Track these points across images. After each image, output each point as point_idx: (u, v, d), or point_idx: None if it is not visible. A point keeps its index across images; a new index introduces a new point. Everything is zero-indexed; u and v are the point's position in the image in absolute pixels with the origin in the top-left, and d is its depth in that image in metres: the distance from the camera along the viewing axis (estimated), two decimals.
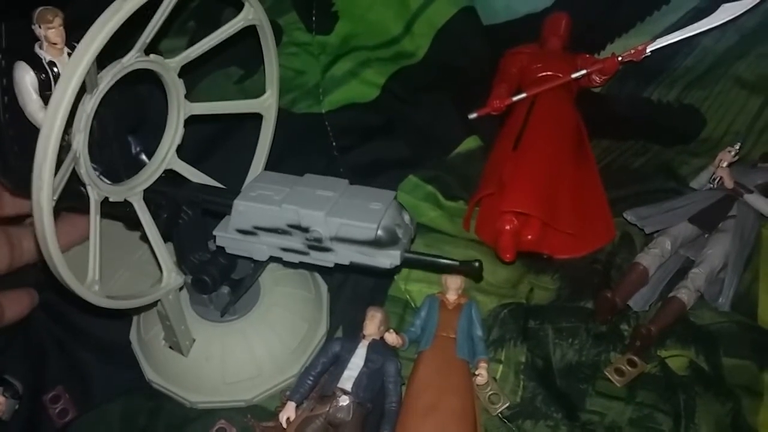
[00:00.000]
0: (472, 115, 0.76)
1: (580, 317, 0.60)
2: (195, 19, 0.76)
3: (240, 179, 0.53)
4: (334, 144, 0.74)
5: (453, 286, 0.58)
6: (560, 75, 0.73)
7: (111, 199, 0.47)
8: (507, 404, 0.55)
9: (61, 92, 0.37)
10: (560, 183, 0.64)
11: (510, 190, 0.62)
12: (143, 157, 0.51)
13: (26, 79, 0.42)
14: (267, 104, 0.57)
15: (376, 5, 0.80)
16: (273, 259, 0.51)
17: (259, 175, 0.53)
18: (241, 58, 0.76)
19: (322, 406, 0.51)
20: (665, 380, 0.56)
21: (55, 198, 0.39)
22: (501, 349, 0.58)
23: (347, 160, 0.73)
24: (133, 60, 0.43)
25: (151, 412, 0.56)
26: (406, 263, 0.49)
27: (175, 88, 0.49)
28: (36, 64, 0.43)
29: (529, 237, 0.60)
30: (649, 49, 0.72)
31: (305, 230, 0.47)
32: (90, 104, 0.41)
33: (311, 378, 0.53)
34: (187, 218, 0.50)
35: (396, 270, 0.49)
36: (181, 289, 0.53)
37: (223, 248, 0.51)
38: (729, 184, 0.63)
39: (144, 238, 0.50)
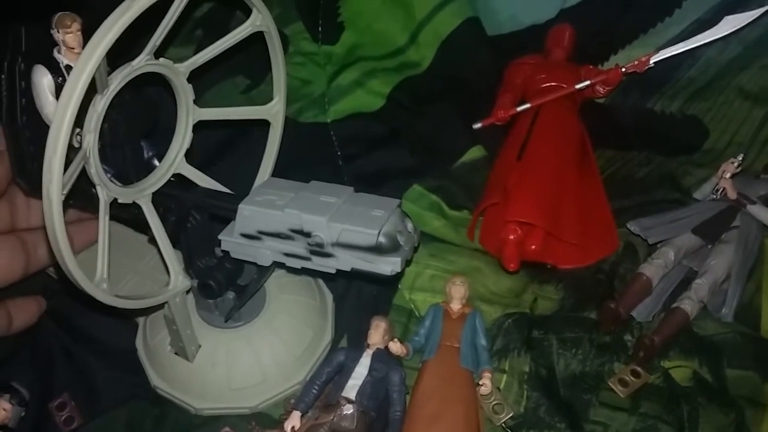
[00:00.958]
0: (477, 125, 0.76)
1: (584, 327, 0.60)
2: (202, 28, 0.76)
3: (247, 186, 0.54)
4: (339, 153, 0.75)
5: (457, 295, 0.58)
6: (564, 85, 0.73)
7: (120, 201, 0.47)
8: (511, 414, 0.55)
9: (72, 85, 0.38)
10: (564, 193, 0.64)
11: (514, 200, 0.62)
12: (156, 161, 0.52)
13: (44, 82, 0.43)
14: (274, 111, 0.58)
15: (382, 16, 0.80)
16: (277, 264, 0.51)
17: (266, 181, 0.54)
18: (248, 68, 0.76)
19: (327, 414, 0.51)
20: (669, 391, 0.56)
21: (64, 192, 0.39)
22: (505, 359, 0.58)
23: (352, 169, 0.73)
24: (143, 63, 0.44)
25: (157, 419, 0.56)
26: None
27: (184, 92, 0.50)
28: (53, 67, 0.44)
29: (533, 247, 0.61)
30: (652, 61, 0.73)
31: (307, 235, 0.47)
32: (101, 104, 0.42)
33: (316, 387, 0.53)
34: (195, 223, 0.51)
35: (398, 277, 0.49)
36: (188, 292, 0.53)
37: (229, 253, 0.51)
38: (732, 195, 0.64)
39: (152, 241, 0.51)
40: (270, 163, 0.60)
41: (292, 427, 0.51)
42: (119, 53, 0.41)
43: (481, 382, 0.54)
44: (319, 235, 0.47)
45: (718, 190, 0.65)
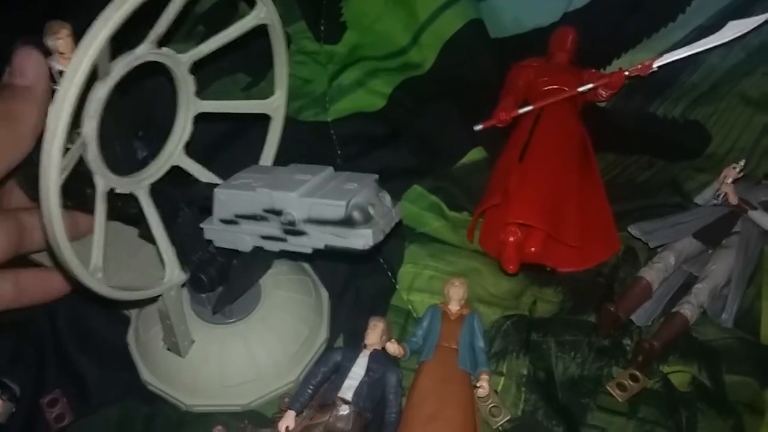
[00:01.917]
0: (478, 127, 0.76)
1: (583, 331, 0.59)
2: (204, 24, 0.76)
3: None
4: (339, 152, 0.74)
5: (456, 296, 0.58)
6: (566, 88, 0.73)
7: (117, 191, 0.47)
8: (508, 417, 0.54)
9: (74, 68, 0.37)
10: (565, 196, 0.64)
11: (515, 201, 0.62)
12: (150, 161, 0.51)
13: None
14: (275, 105, 0.57)
15: (385, 16, 0.80)
16: (256, 250, 0.49)
17: (249, 168, 0.52)
18: (248, 65, 0.76)
19: (322, 415, 0.50)
20: (667, 396, 0.55)
21: (63, 177, 0.39)
22: (503, 361, 0.58)
23: (352, 168, 0.72)
24: (145, 51, 0.44)
25: (148, 418, 0.55)
26: None
27: (185, 83, 0.49)
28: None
29: (533, 249, 0.60)
30: (656, 65, 0.72)
31: (279, 213, 0.46)
32: (102, 91, 0.42)
33: (311, 387, 0.52)
34: (185, 215, 0.50)
35: (372, 252, 0.46)
36: (183, 286, 0.53)
37: (222, 248, 0.50)
38: (733, 200, 0.63)
39: (143, 236, 0.50)
40: (270, 157, 0.59)
41: (287, 427, 0.50)
42: (121, 43, 0.41)
43: (478, 384, 0.54)
44: (291, 213, 0.45)
45: (719, 195, 0.65)
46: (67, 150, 0.39)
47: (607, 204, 0.69)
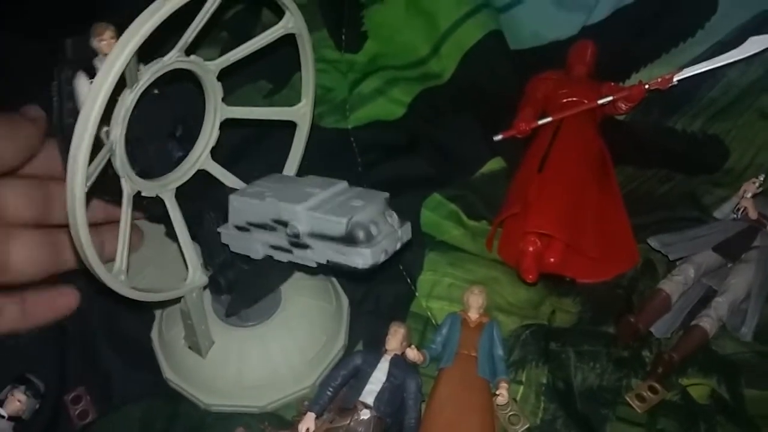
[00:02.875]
0: (497, 137, 0.76)
1: (602, 341, 0.59)
2: (228, 30, 0.77)
3: None
4: (359, 159, 0.75)
5: (475, 304, 0.58)
6: (586, 101, 0.74)
7: (143, 194, 0.48)
8: (527, 426, 0.54)
9: (102, 78, 0.38)
10: (584, 207, 0.64)
11: (534, 211, 0.62)
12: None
13: (84, 87, 0.44)
14: (302, 112, 0.58)
15: (405, 27, 0.81)
16: (268, 259, 0.50)
17: (267, 176, 0.53)
18: (270, 72, 0.77)
19: (342, 418, 0.50)
20: (686, 408, 0.55)
21: (88, 185, 0.40)
22: (522, 370, 0.58)
23: (371, 175, 0.73)
24: (173, 59, 0.45)
25: (170, 417, 0.56)
26: None
27: (213, 90, 0.50)
28: (94, 74, 0.45)
29: (552, 260, 0.61)
30: (676, 79, 0.72)
31: (285, 225, 0.46)
32: (129, 98, 0.43)
33: (331, 390, 0.52)
34: (210, 219, 0.51)
35: (375, 272, 0.45)
36: (205, 288, 0.53)
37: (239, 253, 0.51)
38: (753, 214, 0.63)
39: (170, 234, 0.51)
40: (295, 164, 0.60)
41: (307, 429, 0.50)
42: (150, 51, 0.41)
43: (498, 392, 0.54)
44: (296, 225, 0.45)
45: (738, 210, 0.65)
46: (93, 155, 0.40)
47: (626, 216, 0.69)
